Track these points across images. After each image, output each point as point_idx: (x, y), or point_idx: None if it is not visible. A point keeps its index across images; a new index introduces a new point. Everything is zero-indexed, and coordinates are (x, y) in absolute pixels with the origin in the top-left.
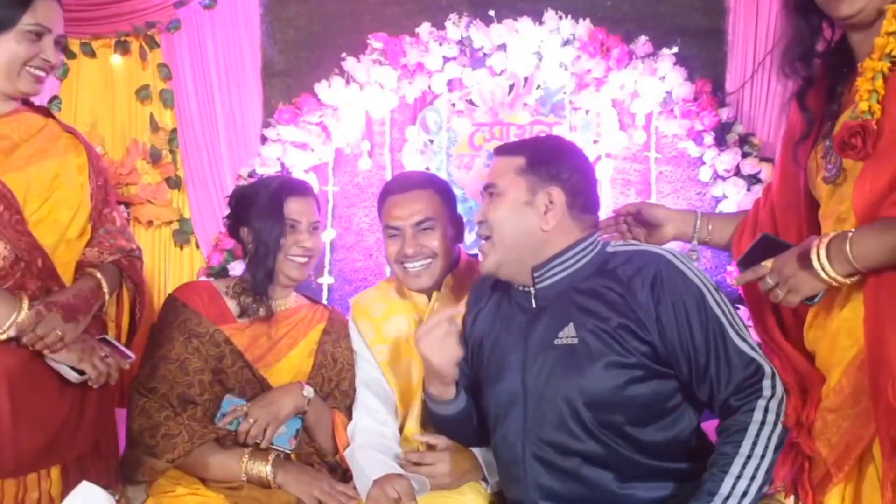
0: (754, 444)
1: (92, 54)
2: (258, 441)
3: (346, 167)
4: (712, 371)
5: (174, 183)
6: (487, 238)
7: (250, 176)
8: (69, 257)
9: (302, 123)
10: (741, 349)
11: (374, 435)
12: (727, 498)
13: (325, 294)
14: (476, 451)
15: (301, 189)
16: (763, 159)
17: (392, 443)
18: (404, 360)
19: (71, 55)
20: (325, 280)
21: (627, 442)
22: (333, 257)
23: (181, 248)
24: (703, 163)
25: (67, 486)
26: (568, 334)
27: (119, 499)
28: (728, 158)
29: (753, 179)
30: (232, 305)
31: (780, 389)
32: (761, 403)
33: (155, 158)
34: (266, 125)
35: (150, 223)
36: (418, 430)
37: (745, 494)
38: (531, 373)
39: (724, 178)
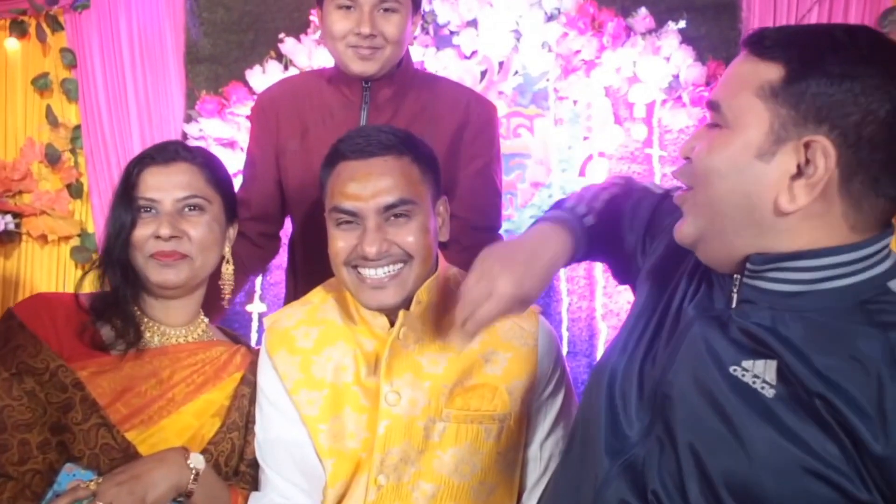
0: None
1: None
2: None
3: None
4: None
5: (76, 190)
6: (689, 189)
7: None
8: None
9: (229, 117)
10: None
11: None
12: None
13: (254, 325)
14: None
15: (164, 154)
16: None
17: None
18: (346, 416)
19: None
20: (256, 308)
21: None
22: (266, 280)
23: (83, 268)
24: None
25: None
26: (761, 373)
27: None
28: None
29: None
30: (105, 332)
31: None
32: None
33: (52, 160)
34: (188, 119)
35: (44, 238)
36: None
37: None
38: (675, 394)
39: None
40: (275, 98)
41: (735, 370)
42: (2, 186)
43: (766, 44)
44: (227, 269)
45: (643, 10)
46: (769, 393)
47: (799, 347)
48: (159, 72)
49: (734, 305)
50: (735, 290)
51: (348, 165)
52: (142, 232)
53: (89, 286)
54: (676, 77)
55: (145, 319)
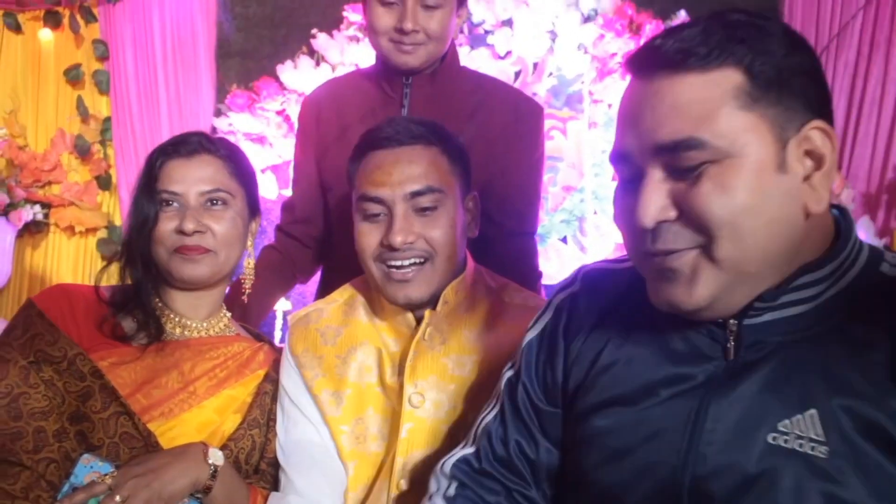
0: None
1: (17, 28)
2: None
3: None
4: None
5: (105, 182)
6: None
7: None
8: None
9: (259, 112)
10: None
11: None
12: None
13: (278, 323)
14: None
15: (187, 146)
16: None
17: None
18: (369, 418)
19: None
20: (281, 305)
21: None
22: None
23: (109, 261)
24: None
25: None
26: (805, 430)
27: None
28: None
29: None
30: (126, 323)
31: None
32: None
33: (82, 152)
34: (217, 114)
35: (71, 230)
36: None
37: None
38: (713, 476)
39: None
40: (317, 100)
41: (775, 438)
42: (32, 176)
43: (697, 54)
44: (249, 264)
45: (682, 14)
46: (822, 452)
47: (826, 378)
48: (190, 65)
49: (732, 357)
50: (733, 334)
51: (376, 155)
52: (165, 226)
53: (109, 279)
54: None
55: (167, 311)
